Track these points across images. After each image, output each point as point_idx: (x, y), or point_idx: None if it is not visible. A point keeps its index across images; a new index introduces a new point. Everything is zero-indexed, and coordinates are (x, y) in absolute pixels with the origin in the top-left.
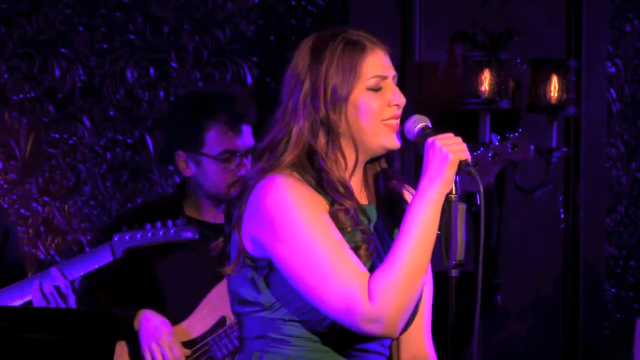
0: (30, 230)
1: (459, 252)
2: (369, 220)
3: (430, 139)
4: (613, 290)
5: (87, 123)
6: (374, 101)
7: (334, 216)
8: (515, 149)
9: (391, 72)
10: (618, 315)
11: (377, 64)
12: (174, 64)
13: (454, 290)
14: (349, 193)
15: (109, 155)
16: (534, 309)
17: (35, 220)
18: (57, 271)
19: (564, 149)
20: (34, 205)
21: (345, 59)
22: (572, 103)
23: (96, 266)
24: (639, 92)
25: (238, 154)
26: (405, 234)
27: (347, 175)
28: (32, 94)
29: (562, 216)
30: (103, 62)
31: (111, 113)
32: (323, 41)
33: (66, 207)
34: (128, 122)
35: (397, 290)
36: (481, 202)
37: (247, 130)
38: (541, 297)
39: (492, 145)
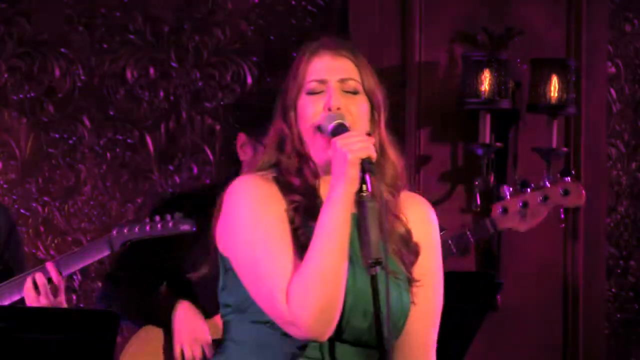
0: (30, 230)
1: (374, 250)
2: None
3: (333, 139)
4: (613, 290)
5: (87, 123)
6: (308, 105)
7: (289, 214)
8: (568, 194)
9: (336, 76)
10: (618, 315)
11: (319, 68)
12: (174, 64)
13: (376, 290)
14: (308, 192)
15: (109, 155)
16: (534, 309)
17: (35, 220)
18: (52, 265)
19: (564, 149)
20: (34, 205)
21: (294, 67)
22: (572, 103)
23: (93, 260)
24: (639, 92)
25: None
26: (314, 238)
27: (320, 181)
28: (32, 94)
29: (562, 216)
30: (103, 62)
31: (111, 113)
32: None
33: (66, 207)
34: (128, 122)
35: (307, 295)
36: (366, 207)
37: None
38: (541, 297)
39: (541, 185)
